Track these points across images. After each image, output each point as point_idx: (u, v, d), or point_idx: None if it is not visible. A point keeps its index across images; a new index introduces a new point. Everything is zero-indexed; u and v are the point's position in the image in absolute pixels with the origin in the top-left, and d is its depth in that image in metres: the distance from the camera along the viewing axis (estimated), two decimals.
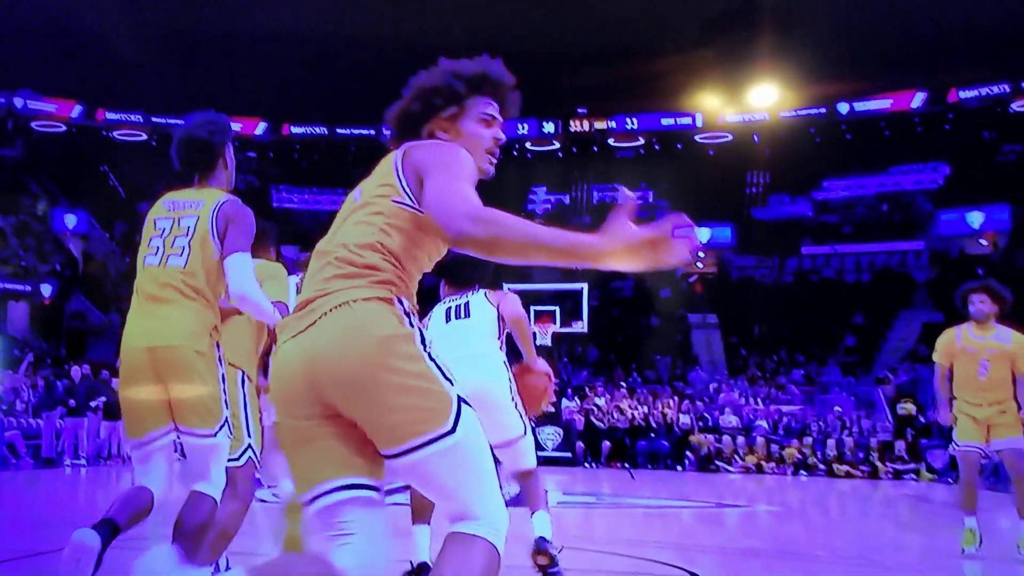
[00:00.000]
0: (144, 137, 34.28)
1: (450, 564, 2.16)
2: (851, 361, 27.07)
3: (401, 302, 2.26)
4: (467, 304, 4.90)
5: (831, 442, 19.48)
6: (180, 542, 3.55)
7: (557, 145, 35.44)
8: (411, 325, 2.24)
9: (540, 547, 4.42)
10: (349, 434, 2.22)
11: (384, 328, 2.19)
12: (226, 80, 31.34)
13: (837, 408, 21.51)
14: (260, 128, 34.71)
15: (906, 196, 33.79)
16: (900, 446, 18.99)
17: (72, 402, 15.79)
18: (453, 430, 2.17)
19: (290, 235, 34.10)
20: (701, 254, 33.90)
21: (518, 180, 33.65)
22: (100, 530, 3.42)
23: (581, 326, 24.18)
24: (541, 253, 2.10)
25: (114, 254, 31.76)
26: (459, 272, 4.90)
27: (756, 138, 34.45)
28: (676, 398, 22.96)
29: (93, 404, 15.81)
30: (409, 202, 2.32)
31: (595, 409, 21.25)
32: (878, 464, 18.80)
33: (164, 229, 3.81)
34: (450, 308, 4.92)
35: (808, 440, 19.73)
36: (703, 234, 34.11)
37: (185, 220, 3.78)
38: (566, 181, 37.06)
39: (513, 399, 4.63)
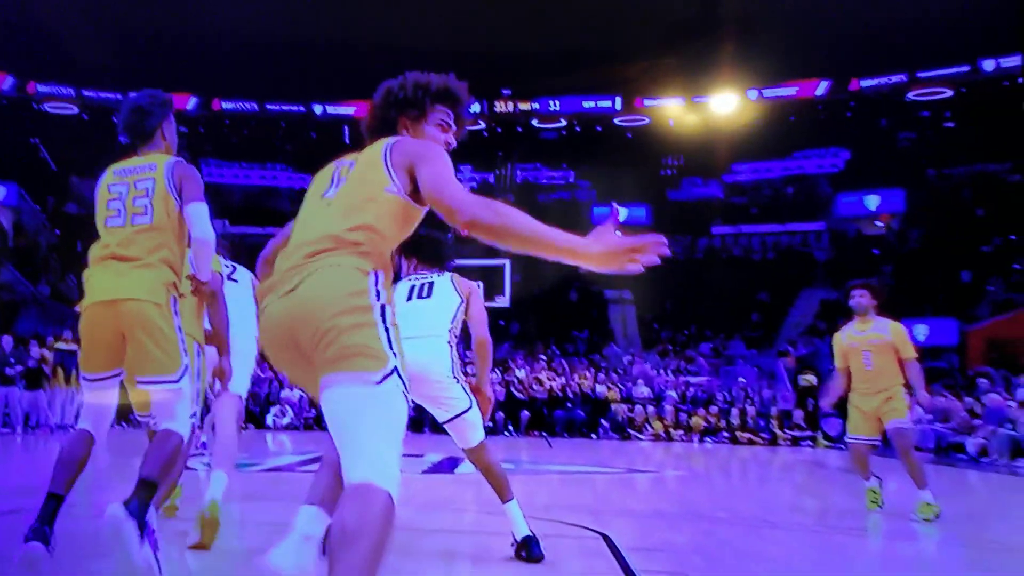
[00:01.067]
0: (75, 110, 33.29)
1: (351, 510, 2.21)
2: (755, 335, 27.74)
3: (377, 275, 2.47)
4: (431, 284, 4.82)
5: (735, 411, 20.01)
6: (146, 472, 3.64)
7: (483, 125, 35.40)
8: (377, 297, 2.44)
9: (532, 555, 4.38)
10: None
11: (347, 291, 2.41)
12: (158, 54, 30.56)
13: (741, 379, 22.06)
14: (191, 103, 33.97)
15: (809, 179, 34.61)
16: (799, 415, 19.58)
17: (8, 371, 15.53)
18: (379, 383, 2.33)
19: (219, 209, 33.55)
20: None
21: None
22: (42, 515, 3.55)
23: (504, 301, 24.29)
24: (535, 246, 2.41)
25: (45, 227, 30.89)
26: (430, 251, 4.87)
27: (671, 122, 34.84)
28: (592, 370, 23.28)
29: (10, 373, 15.55)
30: (396, 191, 2.58)
31: (515, 381, 21.43)
32: (777, 432, 19.38)
33: (121, 193, 3.95)
34: (414, 286, 4.83)
35: (714, 409, 20.22)
36: (621, 214, 34.42)
37: (141, 183, 3.94)
38: (491, 160, 37.04)
39: (455, 376, 4.58)
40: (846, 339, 7.36)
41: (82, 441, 3.82)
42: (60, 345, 17.31)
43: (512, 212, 2.40)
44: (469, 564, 4.25)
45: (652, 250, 2.41)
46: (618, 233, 2.42)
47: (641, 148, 34.95)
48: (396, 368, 2.36)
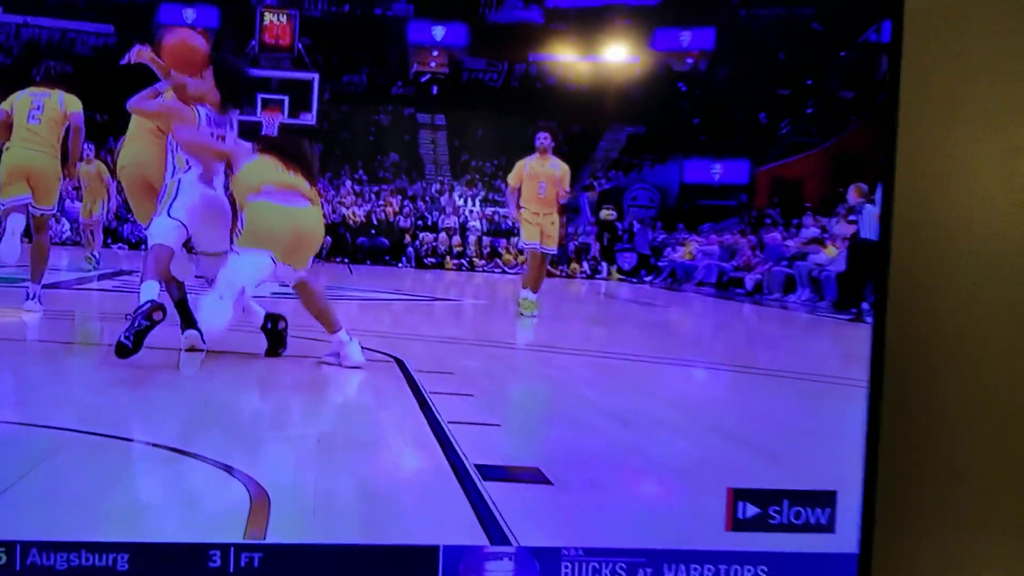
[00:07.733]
0: None
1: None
2: None
3: None
4: None
5: None
6: None
7: None
8: None
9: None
10: None
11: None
12: None
13: None
14: None
15: (628, 11, 34.84)
16: (595, 248, 20.55)
17: None
18: None
19: None
20: (435, 52, 33.75)
21: None
22: None
23: (310, 118, 23.75)
24: None
25: None
26: None
27: None
28: (399, 197, 23.36)
29: None
30: None
31: None
32: (575, 264, 20.33)
33: None
34: None
35: (515, 240, 20.94)
36: (439, 32, 33.89)
37: None
38: None
39: None
40: (528, 168, 9.16)
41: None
42: None
43: None
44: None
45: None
46: None
47: None
48: None
